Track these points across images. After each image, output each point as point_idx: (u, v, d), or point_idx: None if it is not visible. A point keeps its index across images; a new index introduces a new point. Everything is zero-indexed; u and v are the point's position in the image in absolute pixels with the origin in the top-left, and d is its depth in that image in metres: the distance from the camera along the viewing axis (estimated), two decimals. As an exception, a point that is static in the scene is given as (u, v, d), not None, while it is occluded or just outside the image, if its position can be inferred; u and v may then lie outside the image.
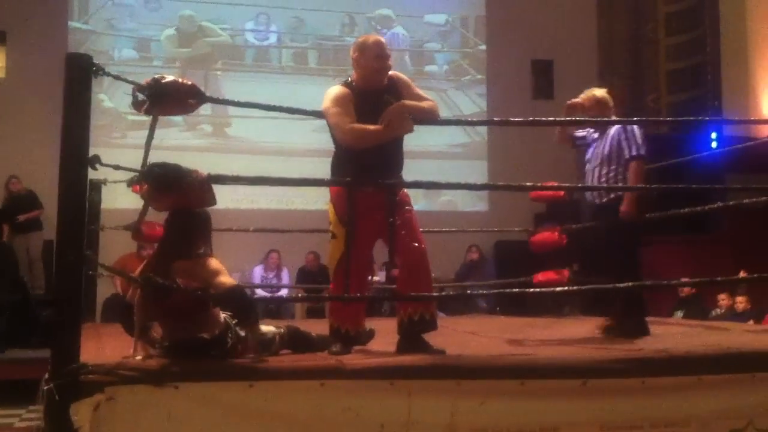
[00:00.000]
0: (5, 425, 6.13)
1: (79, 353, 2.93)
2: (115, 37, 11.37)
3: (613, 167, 4.80)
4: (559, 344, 4.36)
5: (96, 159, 3.08)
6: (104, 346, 4.06)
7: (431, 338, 3.74)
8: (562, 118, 4.92)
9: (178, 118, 10.33)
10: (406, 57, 12.11)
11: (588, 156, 5.01)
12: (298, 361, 3.38)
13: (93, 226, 5.58)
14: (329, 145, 3.91)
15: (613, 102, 5.04)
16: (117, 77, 3.45)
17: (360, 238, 3.74)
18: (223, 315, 3.35)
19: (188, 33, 11.63)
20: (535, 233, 6.81)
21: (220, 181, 3.31)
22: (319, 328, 3.99)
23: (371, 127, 3.66)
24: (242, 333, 3.34)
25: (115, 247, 7.28)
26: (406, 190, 3.90)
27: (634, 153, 4.75)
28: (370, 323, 4.06)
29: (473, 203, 11.99)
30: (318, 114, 3.90)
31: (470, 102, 12.34)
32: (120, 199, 6.12)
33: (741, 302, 8.14)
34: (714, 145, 10.44)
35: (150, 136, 3.34)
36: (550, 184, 5.33)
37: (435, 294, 4.52)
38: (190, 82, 3.41)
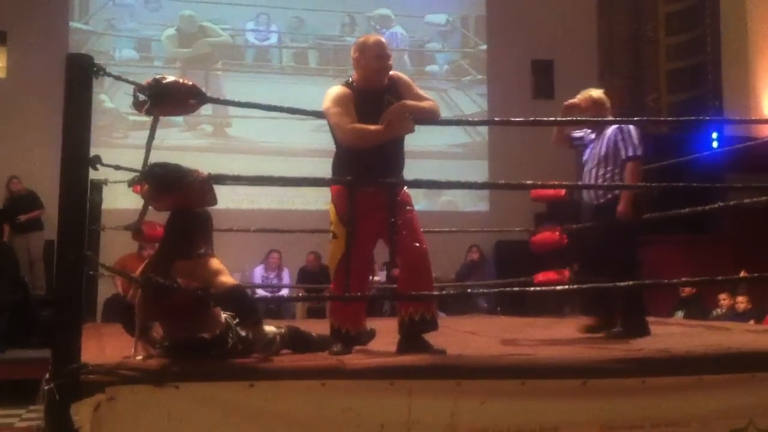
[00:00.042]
0: (5, 425, 6.13)
1: (80, 353, 2.93)
2: (116, 38, 11.37)
3: (609, 168, 4.80)
4: (559, 344, 4.36)
5: (97, 159, 3.09)
6: (105, 346, 4.06)
7: (432, 338, 3.74)
8: (562, 119, 4.92)
9: (178, 119, 10.33)
10: (405, 57, 12.11)
11: (585, 157, 5.01)
12: (299, 361, 3.38)
13: (94, 226, 5.58)
14: (330, 146, 3.91)
15: (610, 102, 5.04)
16: (118, 77, 3.45)
17: (361, 238, 3.74)
18: (223, 315, 3.35)
19: (189, 33, 11.63)
20: (536, 233, 6.81)
21: (220, 181, 3.31)
22: (319, 328, 4.00)
23: (372, 127, 3.66)
24: (243, 333, 3.35)
25: (115, 247, 7.28)
26: (407, 190, 3.90)
27: (630, 154, 4.75)
28: (371, 323, 4.06)
29: (474, 203, 11.99)
30: (318, 114, 3.90)
31: (471, 102, 12.34)
32: (121, 199, 6.12)
33: (742, 302, 8.14)
34: (715, 144, 10.44)
35: (151, 137, 3.35)
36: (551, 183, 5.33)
37: (435, 293, 4.51)
38: (190, 83, 3.41)
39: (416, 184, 3.99)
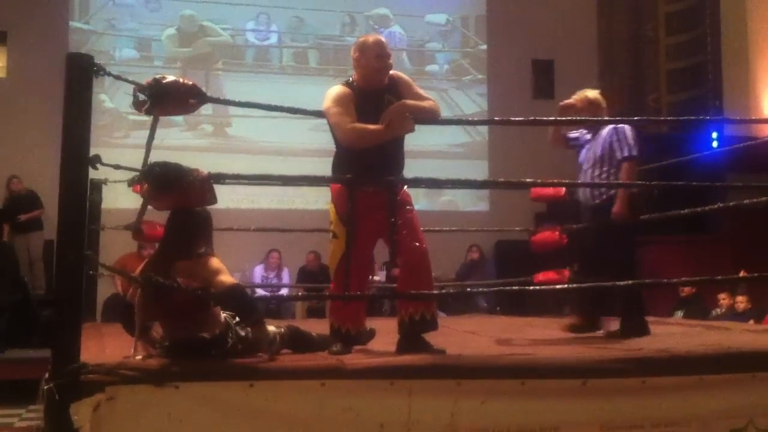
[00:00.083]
0: (5, 425, 6.13)
1: (80, 353, 2.93)
2: (116, 37, 11.37)
3: (605, 168, 4.80)
4: (559, 344, 4.36)
5: (97, 159, 3.08)
6: (105, 345, 4.06)
7: (432, 338, 3.74)
8: (561, 119, 4.91)
9: (178, 118, 10.34)
10: (403, 56, 12.11)
11: (581, 158, 5.00)
12: (299, 360, 3.38)
13: (93, 225, 5.59)
14: (330, 145, 3.91)
15: (606, 102, 5.04)
16: (118, 77, 3.44)
17: (361, 238, 3.74)
18: (223, 314, 3.35)
19: (189, 33, 11.64)
20: (536, 233, 6.80)
21: (220, 180, 3.31)
22: (319, 327, 4.00)
23: (372, 126, 3.66)
24: (242, 333, 3.34)
25: (115, 246, 7.29)
26: (407, 189, 3.90)
27: (626, 154, 4.74)
28: (371, 323, 4.06)
29: (474, 203, 12.00)
30: (319, 114, 3.90)
31: (471, 102, 12.35)
32: (121, 199, 6.12)
33: (741, 302, 8.14)
34: (715, 144, 10.45)
35: (151, 136, 3.35)
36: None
37: (435, 293, 4.51)
38: (190, 82, 3.40)
39: (416, 182, 3.99)
